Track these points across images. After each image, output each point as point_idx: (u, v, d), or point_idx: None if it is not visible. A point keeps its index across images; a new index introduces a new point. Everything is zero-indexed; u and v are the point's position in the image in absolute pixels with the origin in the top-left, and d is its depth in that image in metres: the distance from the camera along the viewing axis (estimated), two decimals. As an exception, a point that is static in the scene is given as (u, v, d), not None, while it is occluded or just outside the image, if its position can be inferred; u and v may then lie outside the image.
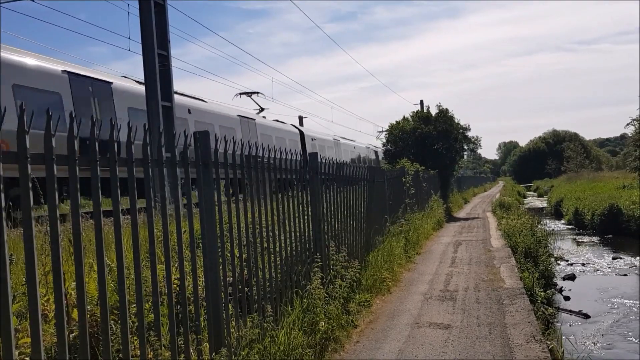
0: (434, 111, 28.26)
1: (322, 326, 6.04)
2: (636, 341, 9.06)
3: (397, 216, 14.13)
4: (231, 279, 5.11)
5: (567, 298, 12.14)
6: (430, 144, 26.23)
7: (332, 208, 8.57)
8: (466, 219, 23.69)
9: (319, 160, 8.10)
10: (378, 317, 7.68)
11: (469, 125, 27.73)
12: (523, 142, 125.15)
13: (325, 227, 8.11)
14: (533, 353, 5.82)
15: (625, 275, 14.66)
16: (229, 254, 5.09)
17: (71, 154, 3.11)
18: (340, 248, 8.33)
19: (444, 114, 27.59)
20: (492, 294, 8.73)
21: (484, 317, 7.39)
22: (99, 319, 3.58)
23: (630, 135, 34.75)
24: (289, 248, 6.72)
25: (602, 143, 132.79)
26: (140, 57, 11.29)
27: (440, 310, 7.90)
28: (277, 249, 6.31)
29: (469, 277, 10.22)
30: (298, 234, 7.12)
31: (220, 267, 4.78)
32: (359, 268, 8.37)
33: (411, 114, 28.89)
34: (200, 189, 4.68)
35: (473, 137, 28.27)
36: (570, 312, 10.95)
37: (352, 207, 9.76)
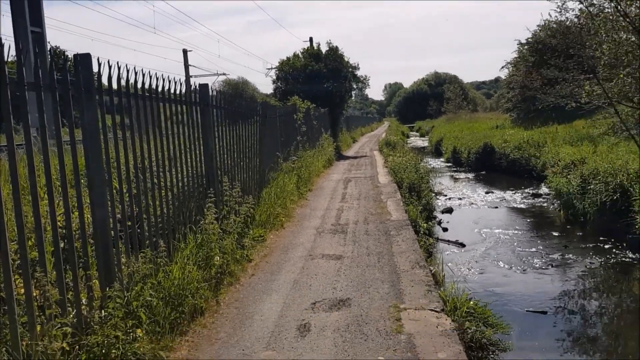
0: (324, 49, 28.24)
1: (217, 261, 5.99)
2: (502, 266, 9.94)
3: (289, 153, 14.18)
4: (120, 215, 4.87)
5: (445, 229, 12.96)
6: (320, 82, 26.31)
7: (225, 143, 8.38)
8: (355, 157, 24.37)
9: (211, 92, 7.81)
10: (272, 251, 7.76)
11: (358, 64, 28.09)
12: (407, 84, 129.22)
13: (218, 162, 7.93)
14: (418, 277, 6.19)
15: (496, 207, 15.89)
16: (117, 188, 4.82)
17: None
18: (234, 184, 8.22)
19: (334, 52, 27.65)
20: (380, 226, 9.13)
21: (373, 247, 7.72)
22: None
23: (504, 78, 37.14)
24: (180, 183, 6.51)
25: (479, 86, 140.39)
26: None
27: (333, 242, 8.14)
28: (168, 184, 6.08)
29: (359, 211, 10.58)
30: (190, 169, 6.90)
31: (109, 202, 4.52)
32: (253, 204, 8.34)
33: (301, 51, 28.65)
34: (83, 117, 4.32)
35: (362, 77, 28.74)
36: (449, 242, 11.74)
37: (244, 142, 9.60)
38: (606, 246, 10.82)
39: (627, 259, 10.01)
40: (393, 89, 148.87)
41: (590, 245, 11.06)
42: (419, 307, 5.28)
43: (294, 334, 4.82)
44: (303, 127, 17.15)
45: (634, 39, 9.08)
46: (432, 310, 5.21)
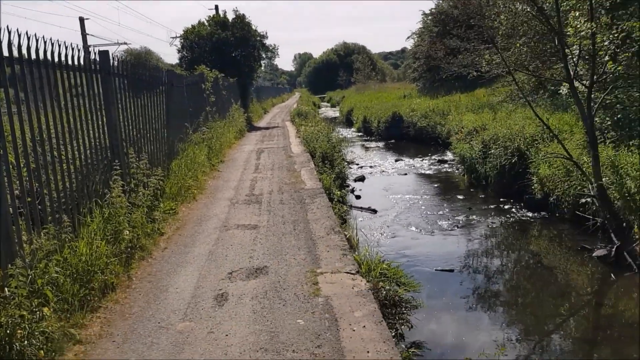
0: (230, 17, 27.53)
1: (126, 235, 5.78)
2: (412, 229, 10.34)
3: (198, 124, 13.82)
4: (19, 190, 4.55)
5: (358, 197, 13.24)
6: (228, 51, 25.70)
7: (129, 114, 8.01)
8: (267, 128, 24.21)
9: (112, 59, 7.41)
10: (185, 223, 7.59)
11: (266, 33, 27.66)
12: (317, 54, 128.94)
13: (123, 134, 7.59)
14: (333, 243, 6.30)
15: (406, 174, 16.43)
16: (13, 163, 4.49)
17: None
18: (141, 156, 7.91)
19: (241, 20, 27.02)
20: (295, 195, 9.16)
21: (288, 215, 7.75)
22: None
23: (409, 48, 38.06)
24: (82, 156, 6.16)
25: (386, 56, 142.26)
26: None
27: (247, 213, 8.08)
28: (70, 158, 5.75)
29: (273, 182, 10.56)
30: (93, 141, 6.55)
31: (5, 177, 4.20)
32: (162, 176, 8.09)
33: (207, 19, 27.78)
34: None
35: (271, 45, 28.36)
36: (362, 208, 12.02)
37: (150, 113, 9.24)
38: (506, 206, 11.52)
39: (525, 218, 10.72)
40: (303, 59, 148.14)
41: (492, 206, 11.74)
42: (335, 271, 5.38)
43: (212, 303, 4.76)
44: (212, 97, 16.73)
45: (528, 9, 9.55)
46: (347, 272, 5.32)
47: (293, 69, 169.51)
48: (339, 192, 10.30)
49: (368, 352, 3.80)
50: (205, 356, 3.89)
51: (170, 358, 3.89)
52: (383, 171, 17.12)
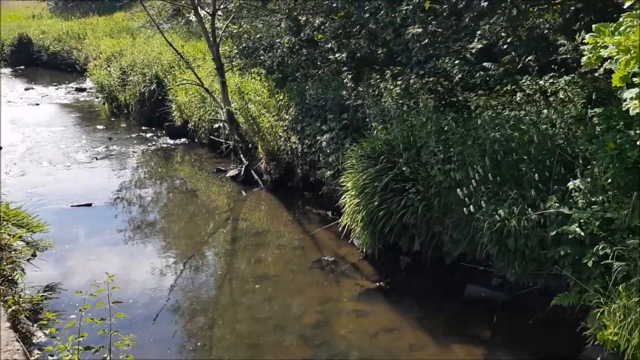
0: None
1: None
2: (45, 165, 9.44)
3: None
4: None
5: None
6: None
7: None
8: None
9: None
10: None
11: None
12: None
13: None
14: None
15: (38, 104, 14.78)
16: None
17: None
18: None
19: None
20: None
21: None
22: None
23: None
24: None
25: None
26: None
27: None
28: None
29: None
30: None
31: None
32: None
33: None
34: None
35: None
36: (-19, 145, 10.40)
37: None
38: (148, 135, 11.46)
39: (166, 145, 10.87)
40: None
41: (134, 135, 11.53)
42: None
43: None
44: None
45: None
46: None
47: None
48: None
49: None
50: None
51: None
52: (9, 101, 15.04)
